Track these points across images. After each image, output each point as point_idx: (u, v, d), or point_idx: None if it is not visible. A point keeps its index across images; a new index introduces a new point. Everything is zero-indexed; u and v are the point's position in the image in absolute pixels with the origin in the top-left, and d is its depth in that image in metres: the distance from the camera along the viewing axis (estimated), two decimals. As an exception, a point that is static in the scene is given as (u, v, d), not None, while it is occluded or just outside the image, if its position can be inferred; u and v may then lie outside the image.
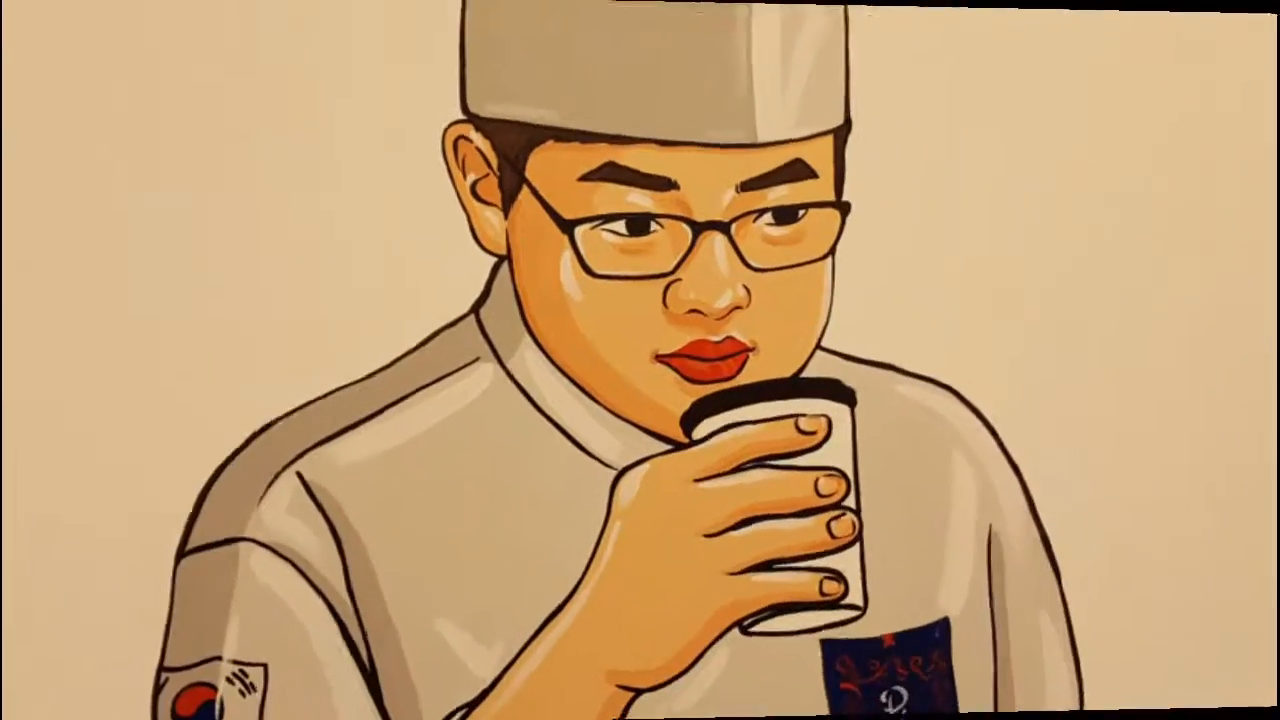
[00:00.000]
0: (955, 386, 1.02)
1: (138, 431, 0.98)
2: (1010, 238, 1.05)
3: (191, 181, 0.99)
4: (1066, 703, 1.01)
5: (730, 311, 0.88)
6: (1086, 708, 1.01)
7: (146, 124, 0.99)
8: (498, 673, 0.88)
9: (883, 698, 0.94)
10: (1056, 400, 1.05)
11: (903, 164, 1.04)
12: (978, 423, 1.02)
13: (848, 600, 0.84)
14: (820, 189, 0.91)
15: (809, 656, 0.94)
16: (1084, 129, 1.06)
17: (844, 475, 0.84)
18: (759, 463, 0.83)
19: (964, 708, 0.96)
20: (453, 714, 0.89)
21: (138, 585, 0.95)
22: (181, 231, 0.99)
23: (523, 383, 0.94)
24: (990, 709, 0.98)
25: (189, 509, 0.94)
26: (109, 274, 0.99)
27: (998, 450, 1.02)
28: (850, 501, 0.84)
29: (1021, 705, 0.99)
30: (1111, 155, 1.07)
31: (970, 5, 1.05)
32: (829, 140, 0.91)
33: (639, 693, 0.86)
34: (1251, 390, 1.07)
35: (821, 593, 0.83)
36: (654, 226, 0.88)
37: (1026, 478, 1.02)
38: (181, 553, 0.93)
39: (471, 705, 0.88)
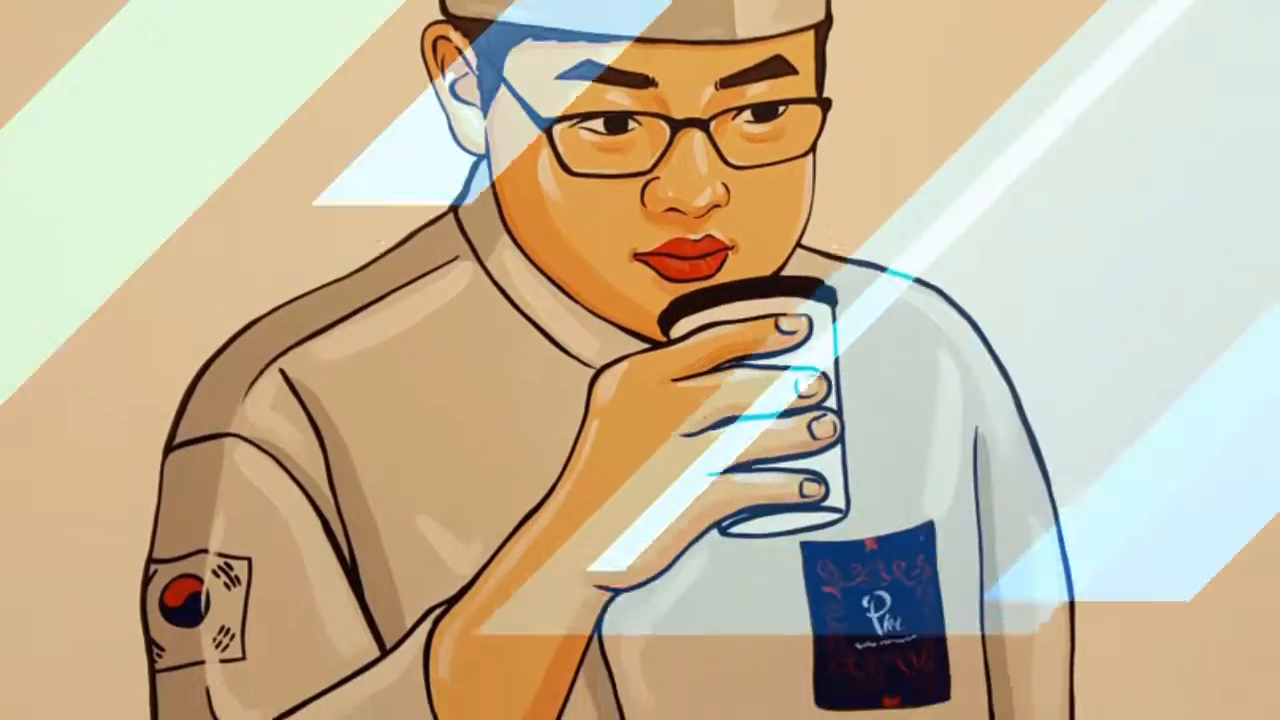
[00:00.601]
0: (940, 286, 1.04)
1: (125, 332, 1.04)
2: (996, 135, 1.07)
3: (176, 87, 1.04)
4: (1055, 607, 1.04)
5: (709, 210, 0.90)
6: (1075, 613, 1.05)
7: None
8: (476, 570, 0.92)
9: (865, 602, 0.98)
10: (1044, 301, 1.08)
11: (886, 60, 1.06)
12: (964, 323, 1.04)
13: (829, 502, 0.86)
14: (800, 85, 0.92)
15: (789, 559, 0.97)
16: (1075, 21, 1.08)
17: (825, 376, 0.86)
18: (738, 362, 0.86)
19: (949, 613, 0.99)
20: (432, 610, 0.92)
21: (127, 479, 1.01)
22: (166, 133, 1.04)
23: (501, 281, 0.98)
24: (976, 614, 1.01)
25: (175, 405, 1.00)
26: (95, 172, 1.04)
27: (984, 351, 1.04)
28: (831, 402, 0.86)
29: (1009, 611, 1.03)
30: (1102, 48, 1.09)
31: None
32: (809, 36, 0.93)
33: (616, 593, 0.89)
34: (1245, 284, 1.10)
35: (802, 494, 0.86)
36: (632, 125, 0.91)
37: (1014, 379, 1.04)
38: (169, 447, 0.99)
39: (450, 602, 0.92)
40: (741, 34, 0.90)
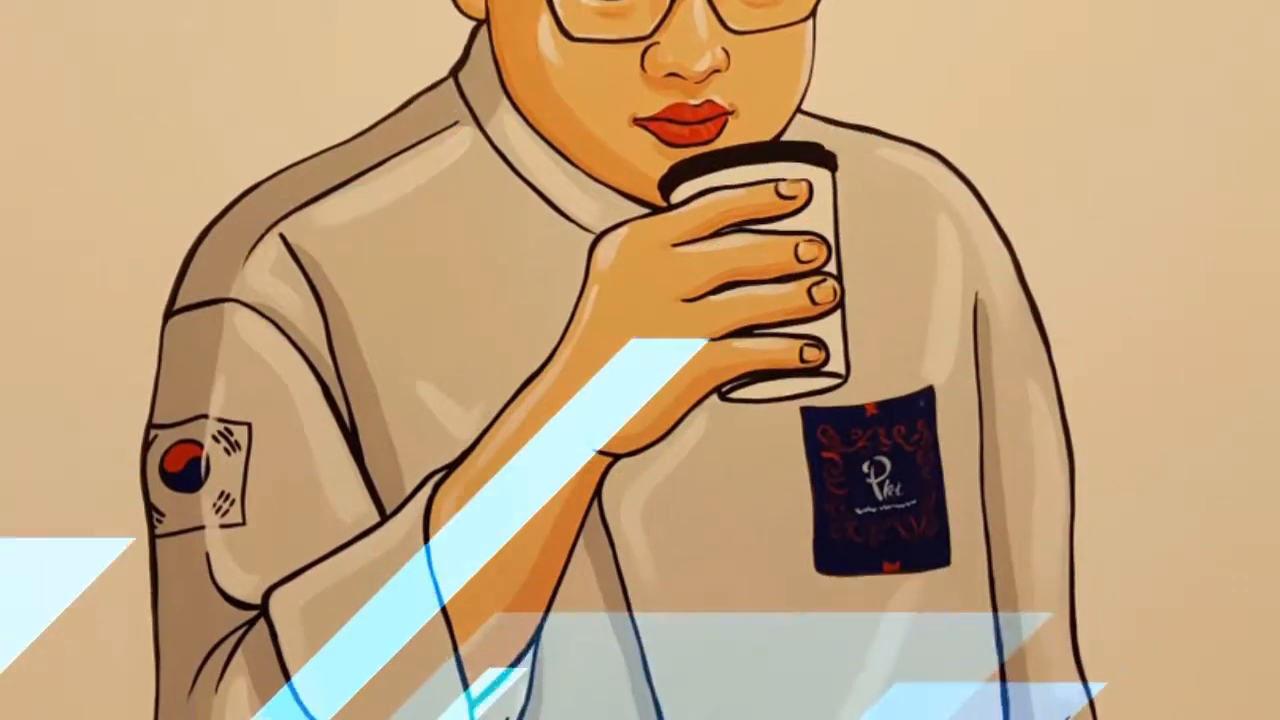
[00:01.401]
0: (941, 151, 1.08)
1: (127, 197, 1.08)
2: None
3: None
4: (1055, 473, 1.09)
5: (709, 75, 0.94)
6: (1076, 479, 1.10)
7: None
8: (476, 435, 0.96)
9: (865, 467, 1.02)
10: (1046, 166, 1.12)
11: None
12: (964, 188, 1.09)
13: (829, 367, 0.90)
14: None
15: (789, 424, 1.02)
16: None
17: (825, 240, 0.89)
18: (738, 227, 0.89)
19: (949, 479, 1.04)
20: (432, 475, 0.97)
21: (127, 344, 1.06)
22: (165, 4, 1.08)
23: (501, 147, 1.02)
24: (976, 480, 1.06)
25: (175, 270, 1.04)
26: (94, 43, 1.08)
27: (985, 216, 1.09)
28: (831, 267, 0.90)
29: (1009, 476, 1.07)
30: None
31: None
32: None
33: (616, 458, 0.93)
34: (1253, 153, 1.13)
35: (802, 359, 0.89)
36: (631, -12, 0.97)
37: (1015, 245, 1.09)
38: (169, 313, 1.04)
39: (450, 467, 0.96)
40: None
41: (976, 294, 1.07)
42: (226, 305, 1.01)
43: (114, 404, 1.05)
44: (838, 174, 0.91)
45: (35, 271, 1.09)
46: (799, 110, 1.00)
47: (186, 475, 1.00)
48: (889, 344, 1.04)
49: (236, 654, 0.98)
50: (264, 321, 1.00)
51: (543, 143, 1.01)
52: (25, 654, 1.08)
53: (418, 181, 1.03)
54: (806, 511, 1.02)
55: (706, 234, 0.89)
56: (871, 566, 1.02)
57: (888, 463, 1.02)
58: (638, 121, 0.96)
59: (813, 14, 0.97)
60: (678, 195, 0.91)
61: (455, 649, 0.95)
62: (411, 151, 1.03)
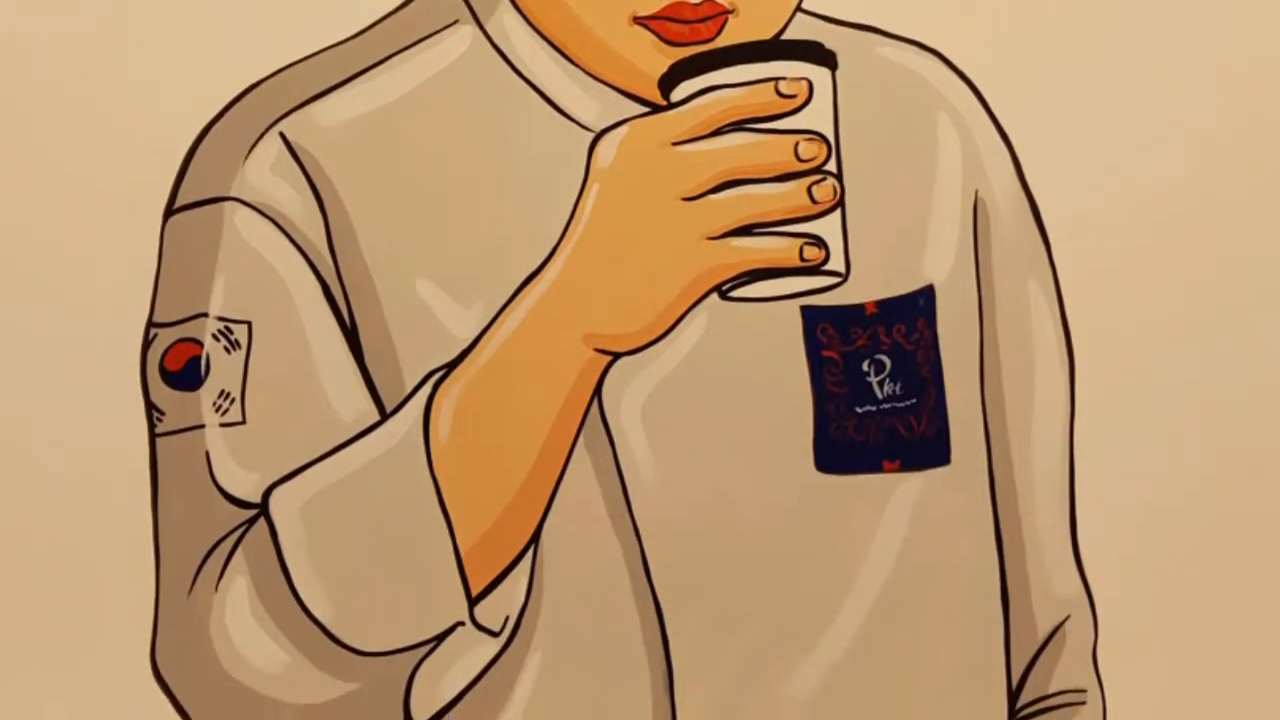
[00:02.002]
0: (941, 50, 1.11)
1: (125, 96, 1.11)
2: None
3: None
4: (1055, 372, 1.12)
5: (709, -27, 0.98)
6: (1076, 378, 1.14)
7: None
8: (476, 334, 0.99)
9: (865, 366, 1.05)
10: (1046, 65, 1.14)
11: None
12: (964, 87, 1.12)
13: (829, 266, 0.92)
14: None
15: (789, 323, 1.05)
16: None
17: (825, 139, 0.91)
18: (738, 126, 0.91)
19: (949, 377, 1.07)
20: (432, 374, 1.00)
21: (127, 243, 1.08)
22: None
23: (501, 45, 1.05)
24: (976, 379, 1.09)
25: (175, 169, 1.06)
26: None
27: (984, 115, 1.12)
28: (831, 166, 0.92)
29: (1009, 375, 1.11)
30: None
31: None
32: None
33: (616, 356, 0.96)
34: (1257, 61, 1.16)
35: (802, 258, 0.92)
36: (632, -117, 0.98)
37: (1015, 144, 1.11)
38: (169, 211, 1.06)
39: (450, 366, 0.99)
40: None
41: (976, 193, 1.11)
42: (226, 204, 1.04)
43: (114, 303, 1.08)
44: (838, 73, 0.93)
45: (35, 172, 1.11)
46: (799, 9, 1.03)
47: (186, 374, 1.03)
48: (889, 243, 1.07)
49: (236, 553, 1.01)
50: (264, 220, 1.03)
51: (542, 41, 1.03)
52: (26, 554, 1.12)
53: (417, 80, 1.05)
54: (806, 410, 1.05)
55: (706, 133, 0.91)
56: (871, 465, 1.06)
57: (887, 361, 1.05)
58: (638, 20, 0.98)
59: (814, -88, 1.01)
60: (677, 94, 0.93)
61: (455, 548, 0.98)
62: (411, 50, 1.06)
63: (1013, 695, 1.13)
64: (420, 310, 1.03)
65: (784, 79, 0.91)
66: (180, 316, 1.04)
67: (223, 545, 1.01)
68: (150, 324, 1.05)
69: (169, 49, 1.11)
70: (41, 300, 1.09)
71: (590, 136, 0.96)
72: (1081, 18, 1.14)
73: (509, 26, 1.04)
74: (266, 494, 1.01)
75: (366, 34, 1.07)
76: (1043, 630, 1.14)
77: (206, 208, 1.04)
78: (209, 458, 1.02)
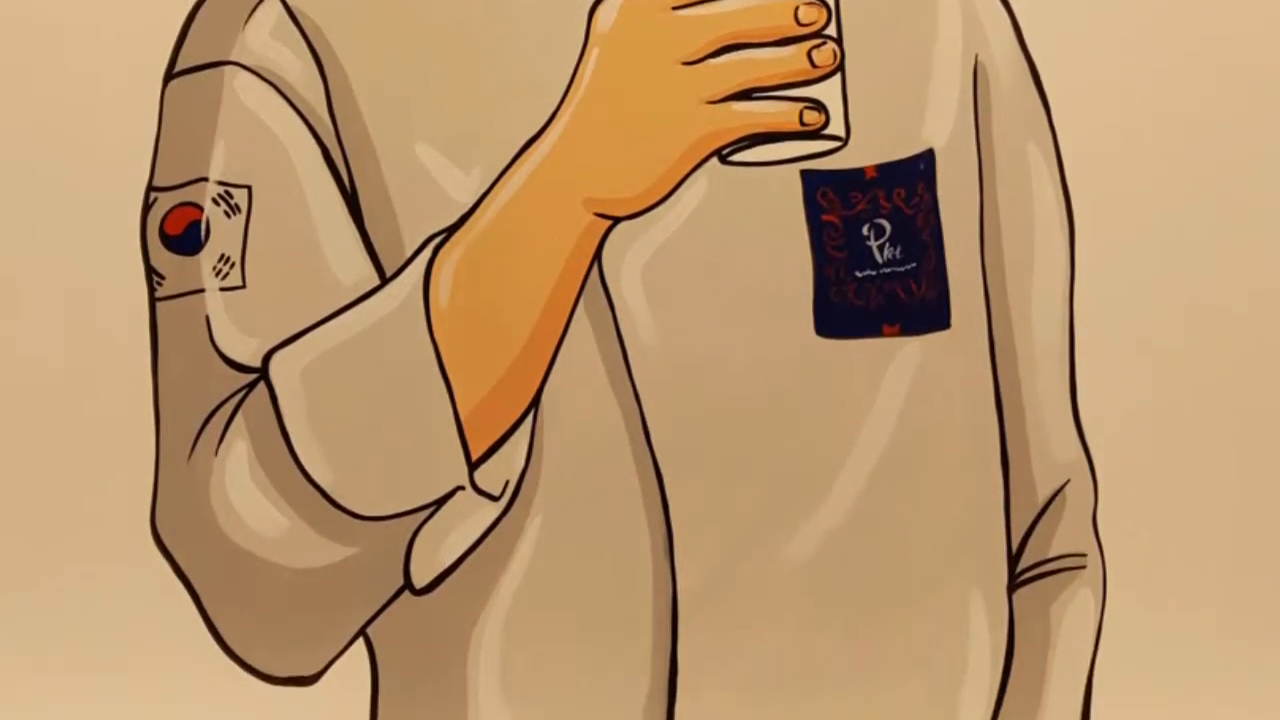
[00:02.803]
0: (941, -88, 1.13)
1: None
2: None
3: None
4: (1055, 236, 1.15)
5: None
6: (1076, 241, 1.16)
7: None
8: (476, 198, 1.02)
9: (864, 230, 1.08)
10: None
11: None
12: (963, -49, 1.15)
13: (829, 130, 0.96)
14: None
15: (789, 188, 1.07)
16: None
17: (825, 3, 0.94)
18: None
19: (949, 241, 1.10)
20: (432, 238, 1.03)
21: (127, 108, 1.12)
22: None
23: (500, -93, 1.08)
24: (977, 243, 1.12)
25: (175, 33, 1.09)
26: None
27: (984, -22, 1.15)
28: (831, 30, 0.95)
29: (1009, 239, 1.13)
30: None
31: None
32: None
33: (616, 221, 1.00)
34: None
35: (802, 122, 0.95)
36: None
37: (1014, 7, 1.13)
38: (169, 75, 1.09)
39: (450, 230, 1.02)
40: None
41: (976, 57, 1.13)
42: (226, 68, 1.07)
43: (114, 167, 1.10)
44: (838, -65, 0.97)
45: (34, 33, 1.13)
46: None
47: (186, 238, 1.06)
48: (889, 107, 1.09)
49: (236, 417, 1.04)
50: (264, 84, 1.06)
51: (542, -98, 1.07)
52: (26, 418, 1.16)
53: None
54: (806, 275, 1.07)
55: (706, -3, 0.95)
56: (871, 329, 1.08)
57: (888, 225, 1.08)
58: (638, -119, 1.01)
59: None
60: (678, -42, 0.96)
61: (455, 412, 1.01)
62: None
63: (1012, 560, 1.16)
64: (420, 174, 1.06)
65: None
66: (180, 181, 1.07)
67: (222, 410, 1.05)
68: (150, 188, 1.08)
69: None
70: (42, 167, 1.12)
71: (590, 1, 0.99)
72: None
73: (508, -113, 1.07)
74: (266, 358, 1.04)
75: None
76: (1042, 495, 1.17)
77: (206, 72, 1.07)
78: (209, 322, 1.05)
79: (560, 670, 1.06)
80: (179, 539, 1.07)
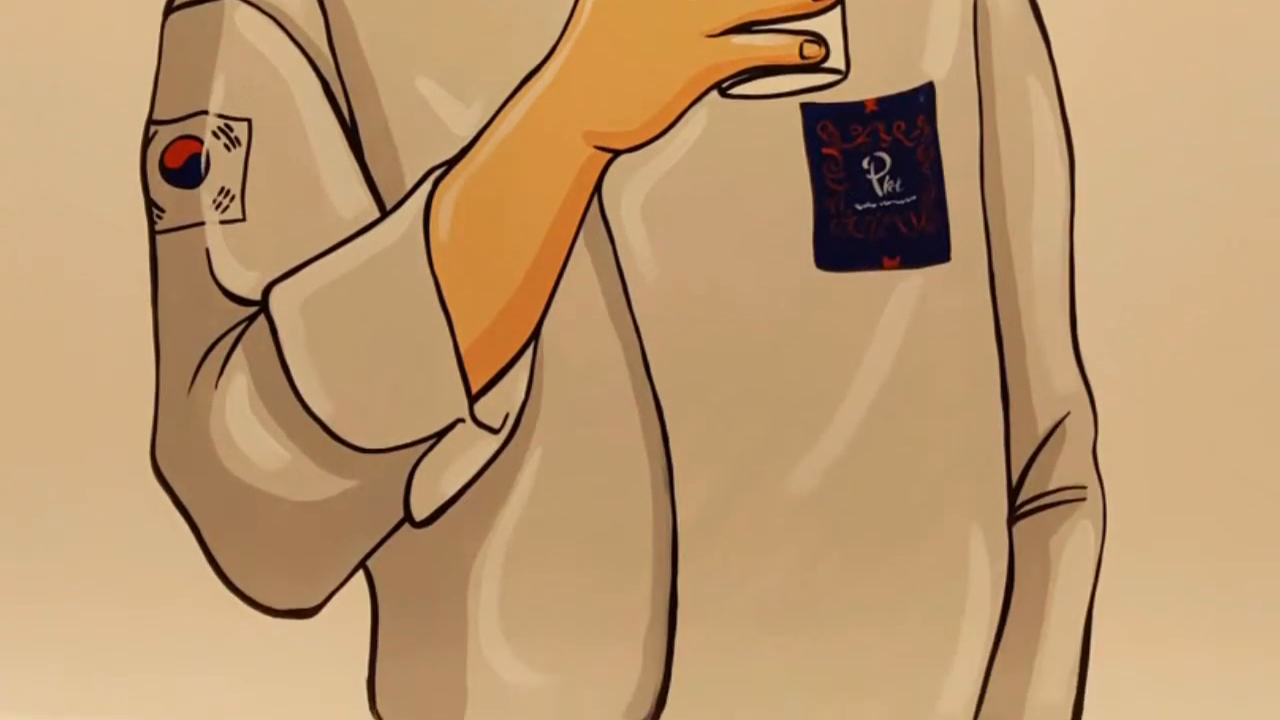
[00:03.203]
0: None
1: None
2: None
3: None
4: (1055, 169, 1.16)
5: None
6: (1076, 174, 1.17)
7: None
8: (476, 131, 1.04)
9: (865, 163, 1.09)
10: None
11: None
12: (961, -112, 1.16)
13: (828, 63, 0.98)
14: None
15: (789, 121, 1.08)
16: None
17: None
18: None
19: (949, 174, 1.11)
20: (432, 171, 1.04)
21: (127, 41, 1.12)
22: None
23: None
24: (977, 176, 1.13)
25: None
26: None
27: (984, -86, 1.16)
28: None
29: (1009, 172, 1.14)
30: None
31: None
32: None
33: (616, 154, 1.01)
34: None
35: (802, 55, 0.97)
36: None
37: None
38: (169, 9, 1.10)
39: (450, 163, 1.04)
40: None
41: None
42: (227, 1, 1.08)
43: (114, 100, 1.12)
44: None
45: None
46: None
47: (186, 171, 1.07)
48: (889, 40, 1.09)
49: (236, 350, 1.05)
50: (264, 17, 1.07)
51: None
52: (27, 352, 1.18)
53: None
54: (806, 208, 1.09)
55: (706, -71, 0.96)
56: (871, 262, 1.10)
57: (888, 159, 1.09)
58: None
59: None
60: (679, -111, 0.97)
61: (455, 344, 1.03)
62: None
63: (1013, 492, 1.17)
64: (420, 107, 1.07)
65: None
66: (180, 114, 1.08)
67: (222, 343, 1.06)
68: (150, 121, 1.09)
69: None
70: (42, 100, 1.13)
71: None
72: None
73: None
74: (266, 291, 1.05)
75: None
76: (1043, 427, 1.18)
77: (206, 5, 1.08)
78: (209, 255, 1.07)
79: (560, 603, 1.08)
80: (179, 472, 1.09)
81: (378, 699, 1.16)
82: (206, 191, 1.07)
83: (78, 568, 1.23)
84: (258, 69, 1.07)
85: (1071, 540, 1.20)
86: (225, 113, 1.07)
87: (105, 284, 1.14)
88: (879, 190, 1.09)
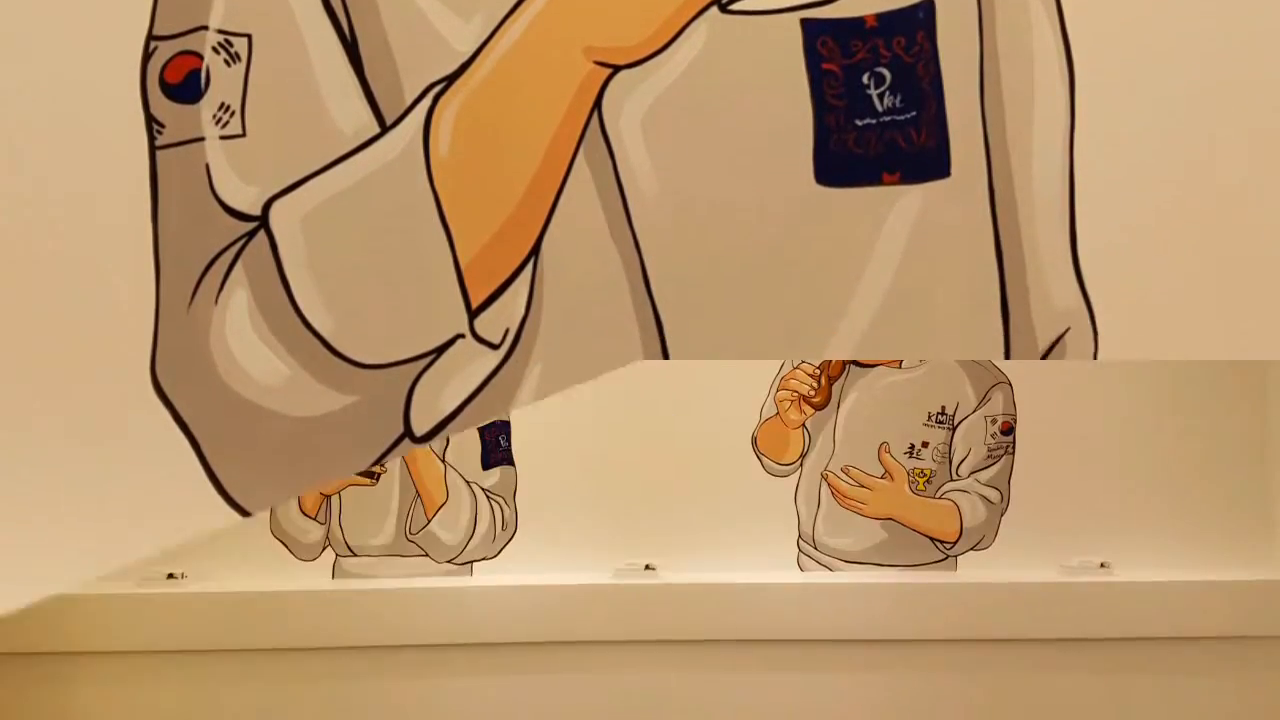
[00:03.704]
0: None
1: None
2: None
3: None
4: (1054, 84, 1.17)
5: None
6: (1075, 89, 1.18)
7: None
8: (476, 47, 1.06)
9: (865, 79, 1.11)
10: None
11: None
12: None
13: None
14: None
15: (790, 37, 1.10)
16: None
17: None
18: None
19: (949, 90, 1.13)
20: (431, 86, 1.07)
21: None
22: None
23: None
24: (976, 92, 1.15)
25: None
26: None
27: None
28: None
29: (1009, 88, 1.16)
30: None
31: None
32: None
33: (616, 69, 1.04)
34: None
35: None
36: None
37: None
38: None
39: (450, 78, 1.07)
40: None
41: None
42: None
43: (114, 16, 1.11)
44: None
45: None
46: None
47: (186, 86, 1.09)
48: None
49: (236, 265, 1.08)
50: None
51: None
52: (26, 267, 1.19)
53: None
54: (806, 123, 1.11)
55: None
56: (871, 177, 1.12)
57: (887, 74, 1.11)
58: None
59: None
60: None
61: (455, 260, 1.06)
62: None
63: None
64: (419, 23, 1.09)
65: None
66: (180, 29, 1.09)
67: (222, 258, 1.08)
68: (150, 37, 1.10)
69: None
70: (41, 16, 1.14)
71: None
72: None
73: None
74: (266, 206, 1.07)
75: None
76: (1043, 342, 1.20)
77: None
78: (209, 170, 1.08)
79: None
80: (179, 387, 1.10)
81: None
82: (206, 107, 1.09)
83: (78, 481, 1.24)
84: (258, -16, 1.09)
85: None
86: (225, 28, 1.09)
87: (104, 199, 1.15)
88: (879, 105, 1.11)
